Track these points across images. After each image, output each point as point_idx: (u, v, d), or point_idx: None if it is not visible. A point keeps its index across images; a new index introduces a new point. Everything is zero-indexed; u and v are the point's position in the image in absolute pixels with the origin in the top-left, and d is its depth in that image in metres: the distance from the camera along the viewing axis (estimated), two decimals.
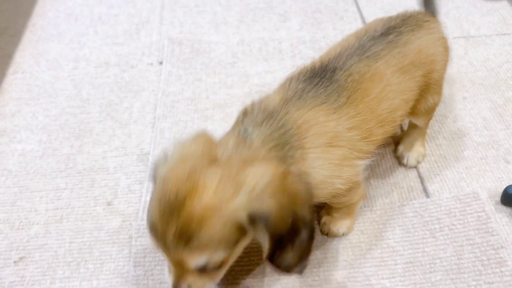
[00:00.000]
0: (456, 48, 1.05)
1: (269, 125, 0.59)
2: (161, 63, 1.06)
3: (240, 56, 1.07)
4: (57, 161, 0.88)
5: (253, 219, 0.51)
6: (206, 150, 0.55)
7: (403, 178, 0.83)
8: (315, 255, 0.73)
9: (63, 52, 1.10)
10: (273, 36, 1.12)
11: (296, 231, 0.54)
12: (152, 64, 1.06)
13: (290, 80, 0.66)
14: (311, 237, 0.55)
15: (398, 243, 0.74)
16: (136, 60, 1.07)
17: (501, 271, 0.70)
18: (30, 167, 0.87)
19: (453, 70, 1.00)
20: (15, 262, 0.74)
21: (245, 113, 0.62)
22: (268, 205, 0.51)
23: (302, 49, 1.08)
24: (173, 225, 0.50)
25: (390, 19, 0.74)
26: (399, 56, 0.69)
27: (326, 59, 0.68)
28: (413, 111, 0.76)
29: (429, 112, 0.81)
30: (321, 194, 0.61)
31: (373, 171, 0.84)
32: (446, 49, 0.77)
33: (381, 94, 0.66)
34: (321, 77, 0.65)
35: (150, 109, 0.97)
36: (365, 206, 0.79)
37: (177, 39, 1.11)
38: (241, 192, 0.51)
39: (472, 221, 0.76)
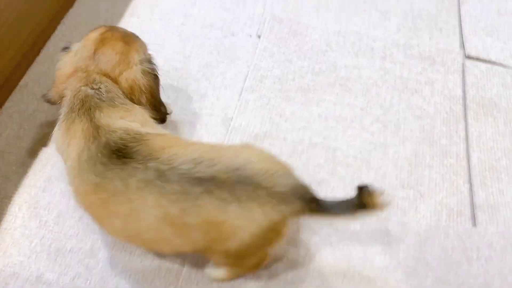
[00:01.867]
0: None
1: None
2: (259, 36, 1.14)
3: (333, 45, 1.13)
4: None
5: None
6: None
7: (456, 202, 0.88)
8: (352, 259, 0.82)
9: (175, 6, 1.20)
10: (369, 32, 1.15)
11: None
12: (251, 36, 1.14)
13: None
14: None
15: (434, 259, 0.81)
16: (237, 28, 1.16)
17: None
18: None
19: None
20: None
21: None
22: None
23: (393, 52, 1.11)
24: None
25: None
26: None
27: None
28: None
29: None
30: None
31: (428, 187, 0.90)
32: None
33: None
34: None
35: (240, 78, 1.06)
36: (412, 218, 0.86)
37: (278, 16, 1.17)
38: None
39: (510, 260, 0.81)
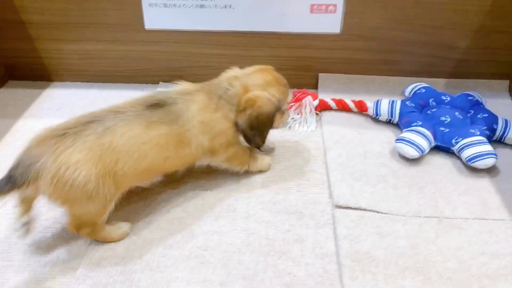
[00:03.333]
0: (427, 230, 0.94)
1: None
2: None
3: (191, 210, 1.00)
4: None
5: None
6: None
7: None
8: None
9: None
10: (231, 191, 1.05)
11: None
12: None
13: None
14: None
15: None
16: None
17: None
18: None
19: (419, 257, 0.88)
20: None
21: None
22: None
23: (258, 210, 1.00)
24: None
25: None
26: None
27: None
28: None
29: None
30: None
31: None
32: None
33: None
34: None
35: (75, 263, 0.88)
36: None
37: None
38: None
39: None
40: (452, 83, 1.41)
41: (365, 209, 0.99)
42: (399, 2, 1.29)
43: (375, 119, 1.27)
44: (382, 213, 0.98)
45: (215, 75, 1.40)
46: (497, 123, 1.16)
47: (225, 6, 1.31)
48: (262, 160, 1.09)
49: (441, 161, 1.13)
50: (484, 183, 1.06)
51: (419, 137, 1.12)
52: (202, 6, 1.31)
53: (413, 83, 1.35)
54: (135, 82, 1.46)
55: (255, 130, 0.97)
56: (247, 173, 1.08)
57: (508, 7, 1.29)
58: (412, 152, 1.10)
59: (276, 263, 0.88)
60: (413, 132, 1.13)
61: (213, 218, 0.98)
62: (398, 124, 1.24)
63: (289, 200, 1.02)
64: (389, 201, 1.01)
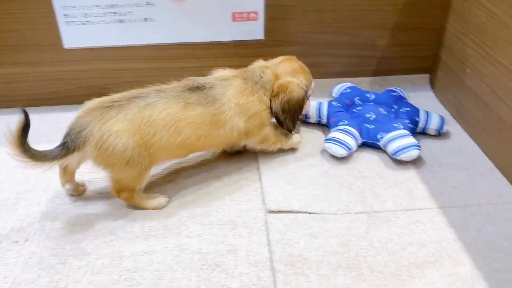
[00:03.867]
0: (358, 226, 0.95)
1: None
2: (27, 240, 0.94)
3: (119, 232, 0.96)
4: None
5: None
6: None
7: None
8: None
9: None
10: (162, 207, 1.02)
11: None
12: (17, 242, 0.94)
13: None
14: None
15: None
16: (1, 237, 0.95)
17: None
18: None
19: (351, 253, 0.89)
20: None
21: None
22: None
23: (190, 224, 0.97)
24: None
25: None
26: None
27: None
28: None
29: None
30: None
31: None
32: None
33: None
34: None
35: None
36: None
37: (53, 212, 1.00)
38: None
39: None
40: (376, 81, 1.45)
41: (297, 211, 0.99)
42: (317, 6, 1.32)
43: (305, 121, 1.29)
44: (314, 213, 0.98)
45: None
46: (418, 116, 1.21)
47: (145, 20, 1.29)
48: (292, 138, 1.16)
49: (369, 157, 1.16)
50: (410, 175, 1.10)
51: (346, 136, 1.14)
52: (121, 21, 1.28)
53: (339, 84, 1.38)
54: (59, 104, 1.40)
55: (287, 114, 1.07)
56: (280, 151, 1.17)
57: (420, 5, 1.35)
58: (341, 151, 1.12)
59: (209, 276, 0.86)
60: (340, 131, 1.15)
61: (143, 237, 0.95)
62: (327, 124, 1.26)
63: (222, 210, 1.01)
64: (320, 201, 1.01)
